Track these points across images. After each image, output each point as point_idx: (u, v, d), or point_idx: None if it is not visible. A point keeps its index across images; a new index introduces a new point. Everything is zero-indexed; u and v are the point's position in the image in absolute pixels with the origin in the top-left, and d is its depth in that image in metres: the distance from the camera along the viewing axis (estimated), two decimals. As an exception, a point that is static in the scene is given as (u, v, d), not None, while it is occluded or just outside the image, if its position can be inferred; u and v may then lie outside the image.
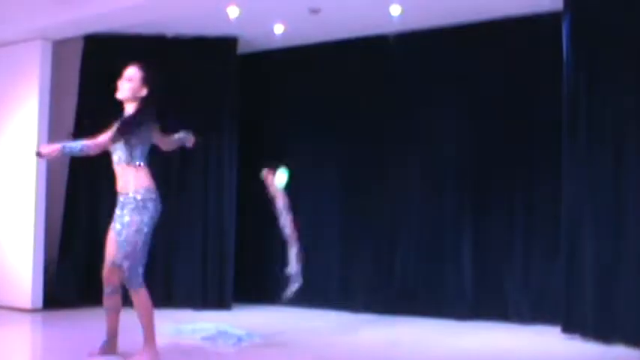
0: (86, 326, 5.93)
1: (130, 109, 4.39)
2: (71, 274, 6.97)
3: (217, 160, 7.15)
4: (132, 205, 4.21)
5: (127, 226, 4.19)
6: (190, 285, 7.03)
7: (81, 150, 4.29)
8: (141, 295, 4.22)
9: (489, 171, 6.55)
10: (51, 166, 6.86)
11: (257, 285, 7.45)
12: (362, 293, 7.02)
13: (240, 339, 5.16)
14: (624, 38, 5.25)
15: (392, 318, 6.56)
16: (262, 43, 7.38)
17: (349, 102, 7.24)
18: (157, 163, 4.77)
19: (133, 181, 4.26)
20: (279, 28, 6.86)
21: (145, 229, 4.21)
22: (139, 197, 4.22)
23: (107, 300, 4.42)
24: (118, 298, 4.43)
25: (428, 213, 6.80)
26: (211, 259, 7.03)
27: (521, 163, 6.42)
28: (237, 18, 6.43)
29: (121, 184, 4.32)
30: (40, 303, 6.69)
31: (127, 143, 4.26)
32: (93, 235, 7.04)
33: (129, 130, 4.27)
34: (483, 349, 5.20)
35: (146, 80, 4.39)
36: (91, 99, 7.11)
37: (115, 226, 4.27)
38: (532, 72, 6.38)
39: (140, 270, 4.21)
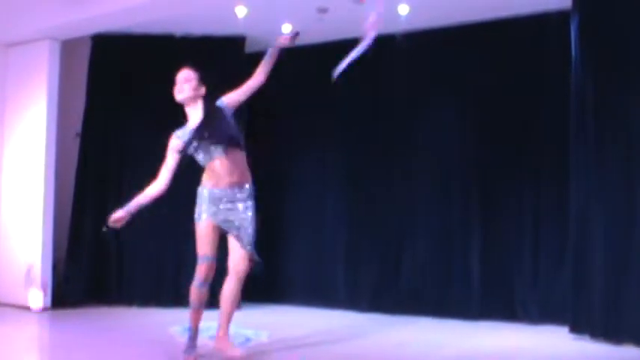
0: (94, 325, 5.96)
1: (191, 111, 4.52)
2: (79, 274, 6.99)
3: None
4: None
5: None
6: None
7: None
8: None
9: (497, 171, 6.52)
10: (60, 165, 6.89)
11: (265, 284, 7.44)
12: (369, 293, 7.01)
13: (248, 339, 5.16)
14: (633, 37, 5.22)
15: (399, 318, 6.55)
16: (270, 43, 7.35)
17: (357, 101, 7.23)
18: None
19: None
20: (287, 28, 6.86)
21: None
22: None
23: (202, 295, 4.63)
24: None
25: (436, 213, 6.78)
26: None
27: (529, 162, 6.39)
28: (245, 17, 6.44)
29: None
30: (48, 302, 6.72)
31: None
32: (101, 235, 7.07)
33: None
34: (491, 349, 5.19)
35: (203, 79, 4.51)
36: (100, 98, 7.13)
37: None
38: (540, 71, 6.36)
39: None
